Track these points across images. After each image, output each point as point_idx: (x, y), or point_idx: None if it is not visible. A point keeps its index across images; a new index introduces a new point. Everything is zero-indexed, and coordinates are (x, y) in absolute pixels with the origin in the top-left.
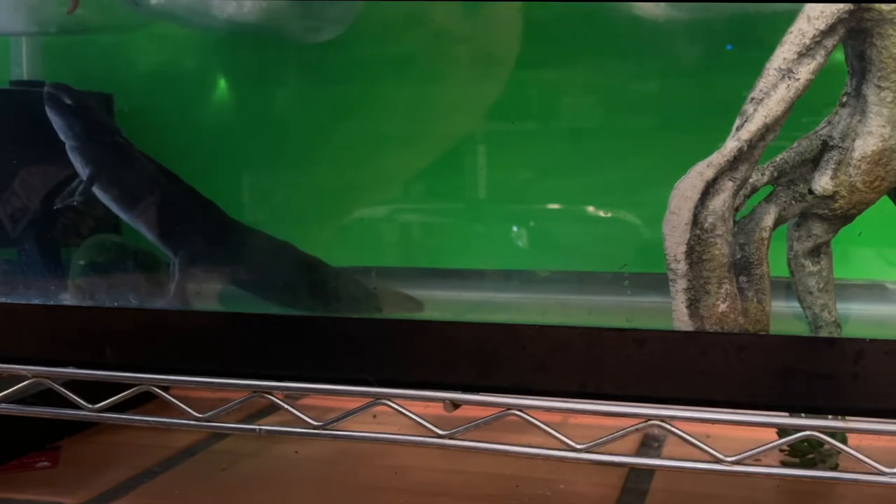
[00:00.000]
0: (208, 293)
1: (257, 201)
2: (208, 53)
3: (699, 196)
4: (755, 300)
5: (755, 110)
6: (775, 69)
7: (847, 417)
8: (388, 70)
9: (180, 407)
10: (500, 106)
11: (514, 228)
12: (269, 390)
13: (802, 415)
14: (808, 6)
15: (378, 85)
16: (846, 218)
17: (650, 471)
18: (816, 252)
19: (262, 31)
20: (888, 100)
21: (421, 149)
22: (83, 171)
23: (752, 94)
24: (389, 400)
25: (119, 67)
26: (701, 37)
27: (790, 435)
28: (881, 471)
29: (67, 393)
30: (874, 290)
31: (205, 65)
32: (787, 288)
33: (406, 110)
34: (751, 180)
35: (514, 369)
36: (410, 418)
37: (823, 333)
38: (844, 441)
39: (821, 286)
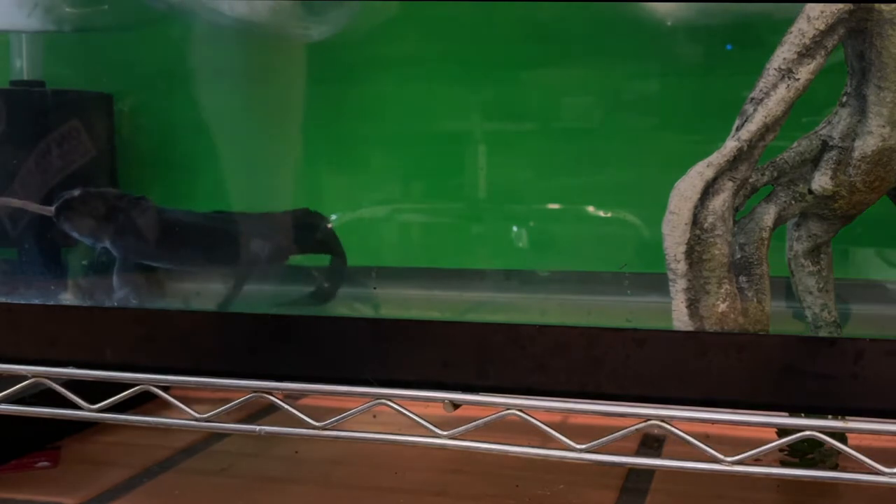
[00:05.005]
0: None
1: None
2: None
3: (699, 196)
4: (755, 300)
5: (755, 110)
6: (775, 69)
7: (847, 417)
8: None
9: (180, 407)
10: (502, 106)
11: (515, 228)
12: (269, 390)
13: (802, 415)
14: (808, 6)
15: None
16: (846, 218)
17: (650, 471)
18: (816, 252)
19: (263, 29)
20: (888, 100)
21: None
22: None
23: (752, 94)
24: (389, 400)
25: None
26: (701, 36)
27: (790, 435)
28: (881, 471)
29: (67, 393)
30: (874, 290)
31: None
32: (787, 288)
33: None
34: (751, 180)
35: (514, 369)
36: (410, 418)
37: (823, 333)
38: (844, 441)
39: (821, 286)
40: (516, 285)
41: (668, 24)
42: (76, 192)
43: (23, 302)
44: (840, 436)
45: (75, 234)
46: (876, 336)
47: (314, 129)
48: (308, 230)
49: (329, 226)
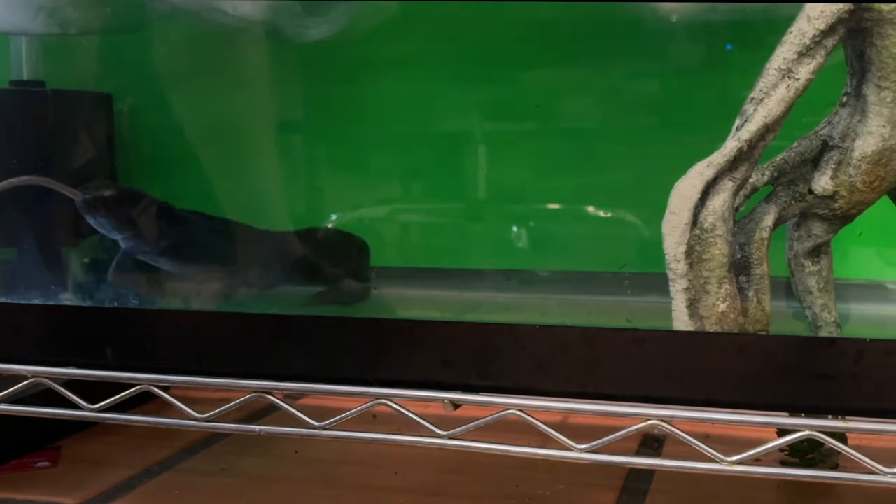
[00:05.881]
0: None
1: (252, 201)
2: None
3: (699, 196)
4: (755, 300)
5: (755, 110)
6: (775, 69)
7: (847, 417)
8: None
9: (180, 407)
10: (503, 106)
11: (514, 228)
12: (269, 390)
13: (802, 415)
14: (808, 6)
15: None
16: (846, 218)
17: (650, 471)
18: (816, 252)
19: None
20: (888, 100)
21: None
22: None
23: (752, 94)
24: (389, 400)
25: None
26: (702, 36)
27: (790, 435)
28: (881, 471)
29: (67, 393)
30: (874, 290)
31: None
32: (787, 288)
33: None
34: (751, 180)
35: (514, 369)
36: (410, 418)
37: (823, 333)
38: (844, 441)
39: (821, 286)
40: (516, 285)
41: (669, 22)
42: (106, 186)
43: (23, 302)
44: (840, 436)
45: (93, 223)
46: (876, 336)
47: (314, 129)
48: (338, 256)
49: (361, 253)
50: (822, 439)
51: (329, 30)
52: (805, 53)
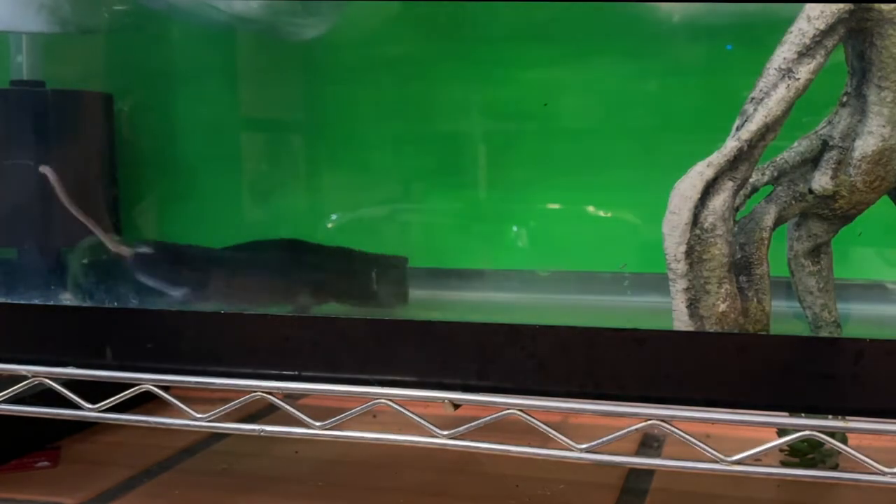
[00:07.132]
0: None
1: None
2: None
3: (699, 196)
4: (755, 300)
5: (755, 110)
6: (775, 69)
7: (847, 417)
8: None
9: (180, 407)
10: (502, 106)
11: (515, 228)
12: (269, 390)
13: (802, 415)
14: (808, 6)
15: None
16: (846, 218)
17: (650, 471)
18: (816, 252)
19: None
20: (888, 100)
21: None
22: None
23: (753, 94)
24: (389, 400)
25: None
26: (702, 36)
27: (790, 435)
28: (881, 471)
29: (67, 393)
30: (874, 290)
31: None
32: (788, 288)
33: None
34: (751, 180)
35: (514, 369)
36: (410, 418)
37: (823, 333)
38: (844, 441)
39: (821, 286)
40: (516, 285)
41: (669, 22)
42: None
43: (23, 302)
44: (840, 436)
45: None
46: (876, 336)
47: (314, 129)
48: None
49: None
50: (822, 439)
51: (321, 29)
52: (805, 53)
